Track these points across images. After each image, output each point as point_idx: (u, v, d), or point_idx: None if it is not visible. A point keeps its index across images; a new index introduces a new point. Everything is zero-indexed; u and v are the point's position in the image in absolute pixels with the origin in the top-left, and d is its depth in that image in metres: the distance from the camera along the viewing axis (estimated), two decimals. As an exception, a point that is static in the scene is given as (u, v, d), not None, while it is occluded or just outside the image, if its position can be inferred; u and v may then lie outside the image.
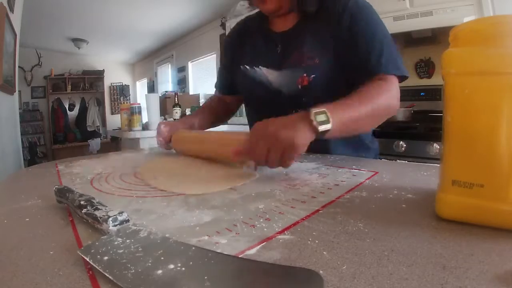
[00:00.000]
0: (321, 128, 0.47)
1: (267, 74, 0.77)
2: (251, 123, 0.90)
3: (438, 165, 0.33)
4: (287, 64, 0.74)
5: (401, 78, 0.67)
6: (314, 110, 0.48)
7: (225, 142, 0.59)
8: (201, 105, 3.41)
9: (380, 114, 0.61)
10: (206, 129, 0.91)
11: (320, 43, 0.70)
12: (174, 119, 3.36)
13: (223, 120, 1.00)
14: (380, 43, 0.65)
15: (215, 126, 0.96)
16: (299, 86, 0.71)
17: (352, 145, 0.76)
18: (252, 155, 0.48)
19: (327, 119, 0.48)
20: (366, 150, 0.80)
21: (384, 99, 0.60)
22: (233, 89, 0.91)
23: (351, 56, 0.66)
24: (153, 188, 0.47)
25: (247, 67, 0.82)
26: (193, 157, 0.70)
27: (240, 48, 0.86)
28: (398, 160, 1.42)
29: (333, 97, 0.69)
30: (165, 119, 2.77)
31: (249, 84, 0.82)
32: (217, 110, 0.96)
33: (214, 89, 0.99)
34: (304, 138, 0.47)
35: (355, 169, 0.55)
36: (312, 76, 0.70)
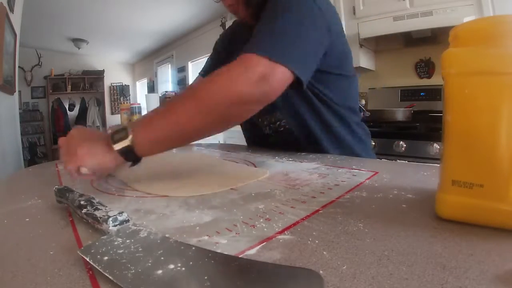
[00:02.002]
0: (117, 146, 0.43)
1: None
2: (244, 133, 0.93)
3: (438, 165, 0.33)
4: None
5: (296, 80, 0.53)
6: (114, 128, 0.44)
7: None
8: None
9: (212, 109, 0.46)
10: None
11: None
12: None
13: None
14: (267, 21, 0.54)
15: None
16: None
17: (341, 148, 0.75)
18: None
19: (124, 135, 0.43)
20: (361, 142, 0.79)
21: (220, 90, 0.46)
22: None
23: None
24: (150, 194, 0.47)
25: None
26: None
27: (233, 47, 0.83)
28: (398, 160, 1.43)
29: (287, 100, 0.67)
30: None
31: None
32: None
33: (198, 77, 0.94)
34: (91, 154, 0.43)
35: (355, 169, 0.55)
36: None
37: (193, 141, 0.51)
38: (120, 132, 0.43)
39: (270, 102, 0.51)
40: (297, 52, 0.52)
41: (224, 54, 0.87)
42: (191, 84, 0.60)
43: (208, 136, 0.49)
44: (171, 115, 0.46)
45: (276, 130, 0.78)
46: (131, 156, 0.44)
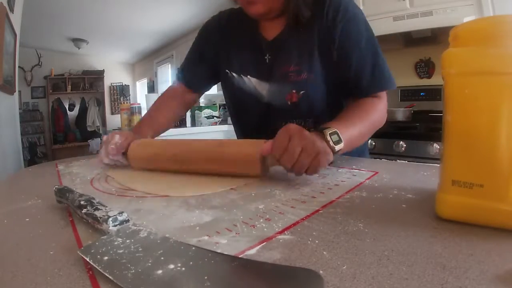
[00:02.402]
0: (337, 148, 0.48)
1: (256, 85, 0.74)
2: (239, 130, 0.86)
3: (438, 165, 0.33)
4: (276, 77, 0.70)
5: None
6: (328, 131, 0.48)
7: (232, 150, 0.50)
8: (200, 104, 3.40)
9: (374, 130, 0.64)
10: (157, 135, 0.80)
11: (308, 55, 0.67)
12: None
13: (177, 119, 0.91)
14: (372, 59, 0.65)
15: (170, 127, 0.86)
16: (289, 102, 0.69)
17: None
18: (285, 151, 0.44)
19: (339, 139, 0.49)
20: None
21: (378, 116, 0.64)
22: (202, 85, 0.86)
23: (343, 73, 0.66)
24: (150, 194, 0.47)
25: (234, 74, 0.76)
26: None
27: (225, 46, 0.78)
28: (398, 160, 1.43)
29: (322, 111, 0.70)
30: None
31: (237, 93, 0.77)
32: (173, 110, 0.85)
33: (176, 81, 0.88)
34: (331, 154, 0.47)
35: (355, 169, 0.55)
36: (302, 92, 0.68)
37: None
38: (334, 135, 0.49)
39: None
40: (387, 71, 0.67)
41: (211, 52, 0.80)
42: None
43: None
44: (361, 128, 0.58)
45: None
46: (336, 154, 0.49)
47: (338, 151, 0.49)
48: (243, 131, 0.85)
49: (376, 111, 0.64)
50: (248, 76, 0.74)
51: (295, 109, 0.70)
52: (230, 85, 0.78)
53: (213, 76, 0.84)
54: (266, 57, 0.72)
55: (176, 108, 0.86)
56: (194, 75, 0.85)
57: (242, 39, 0.76)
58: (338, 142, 0.48)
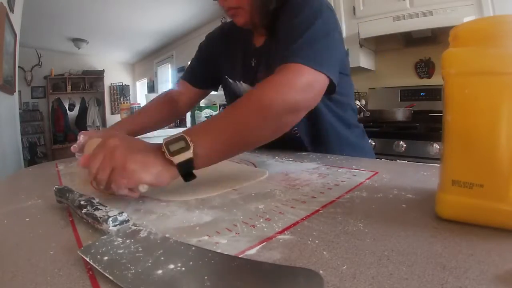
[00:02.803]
0: (178, 159, 0.37)
1: (247, 90, 0.75)
2: None
3: (438, 165, 0.33)
4: (258, 82, 0.68)
5: (330, 84, 0.56)
6: (167, 139, 0.38)
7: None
8: (200, 104, 3.40)
9: (272, 116, 0.46)
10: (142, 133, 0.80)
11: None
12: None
13: (167, 122, 0.90)
14: (301, 32, 0.55)
15: (156, 129, 0.86)
16: None
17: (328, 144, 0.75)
18: (88, 165, 0.38)
19: (185, 146, 0.38)
20: (363, 141, 0.80)
21: (278, 97, 0.46)
22: (200, 83, 0.88)
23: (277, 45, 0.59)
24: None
25: (231, 80, 0.80)
26: None
27: (222, 51, 0.82)
28: (398, 160, 1.43)
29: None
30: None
31: (233, 99, 0.79)
32: (160, 113, 0.86)
33: (180, 81, 0.91)
34: (147, 168, 0.37)
35: (355, 169, 0.55)
36: None
37: (247, 151, 0.50)
38: (177, 142, 0.38)
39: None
40: (331, 60, 0.56)
41: (214, 57, 0.84)
42: (247, 93, 0.50)
43: (259, 145, 0.49)
44: (232, 123, 0.44)
45: (283, 138, 0.77)
46: (188, 169, 0.39)
47: (189, 161, 0.38)
48: None
49: (271, 91, 0.47)
50: (241, 82, 0.77)
51: None
52: (228, 91, 0.82)
53: (214, 78, 0.87)
54: (252, 62, 0.74)
55: (165, 111, 0.87)
56: (196, 73, 0.88)
57: (237, 46, 0.79)
58: (182, 150, 0.38)
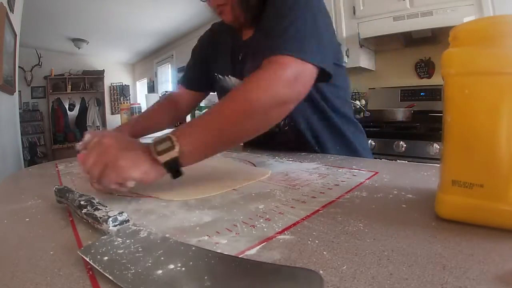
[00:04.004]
0: (163, 158, 0.39)
1: (236, 84, 0.77)
2: None
3: (438, 165, 0.33)
4: (246, 74, 0.71)
5: (322, 75, 0.55)
6: (156, 139, 0.41)
7: None
8: (200, 104, 3.40)
9: (259, 111, 0.46)
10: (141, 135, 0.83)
11: None
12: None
13: (169, 125, 0.92)
14: (286, 22, 0.53)
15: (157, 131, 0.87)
16: None
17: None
18: (83, 162, 0.41)
19: (171, 145, 0.40)
20: (360, 136, 0.80)
21: (264, 93, 0.46)
22: (195, 85, 0.90)
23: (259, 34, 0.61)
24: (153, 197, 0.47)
25: (220, 76, 0.81)
26: None
27: (212, 51, 0.84)
28: (398, 160, 1.43)
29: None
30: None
31: (223, 94, 0.80)
32: (162, 116, 0.88)
33: (177, 85, 0.96)
34: (137, 168, 0.39)
35: (355, 169, 0.55)
36: None
37: (234, 146, 0.50)
38: (164, 142, 0.40)
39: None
40: (319, 48, 0.54)
41: (205, 58, 0.87)
42: (234, 89, 0.49)
43: (246, 140, 0.49)
44: (217, 120, 0.45)
45: (279, 129, 0.77)
46: (175, 167, 0.41)
47: (173, 159, 0.40)
48: None
49: (259, 87, 0.47)
50: (229, 76, 0.78)
51: None
52: (218, 87, 0.84)
53: (208, 79, 0.88)
54: (239, 56, 0.75)
55: (166, 114, 0.89)
56: (191, 77, 0.91)
57: (226, 43, 0.81)
58: (167, 150, 0.40)
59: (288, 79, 0.49)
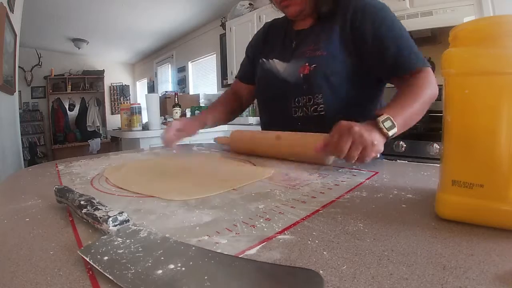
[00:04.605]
0: (391, 133, 0.53)
1: (277, 65, 0.83)
2: (262, 117, 0.94)
3: (438, 165, 0.33)
4: (295, 57, 0.79)
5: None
6: (381, 119, 0.54)
7: (302, 142, 0.65)
8: (201, 104, 3.41)
9: (428, 104, 0.66)
10: (220, 123, 0.96)
11: (330, 39, 0.74)
12: (174, 119, 3.35)
13: (236, 113, 1.02)
14: (406, 41, 0.69)
15: (230, 121, 1.00)
16: (301, 75, 0.75)
17: None
18: (335, 148, 0.52)
19: (392, 124, 0.54)
20: None
21: (429, 90, 0.65)
22: (249, 78, 0.97)
23: (381, 57, 0.70)
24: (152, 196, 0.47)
25: (264, 60, 0.88)
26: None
27: (263, 45, 0.92)
28: (398, 160, 1.42)
29: (334, 88, 0.73)
30: (165, 119, 2.77)
31: (262, 74, 0.88)
32: (231, 104, 0.99)
33: (234, 80, 1.03)
34: (381, 142, 0.53)
35: (355, 169, 0.55)
36: (313, 65, 0.74)
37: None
38: (387, 121, 0.54)
39: None
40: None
41: (257, 52, 0.93)
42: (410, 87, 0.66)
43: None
44: (413, 110, 0.61)
45: (307, 114, 0.78)
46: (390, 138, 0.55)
47: (393, 135, 0.54)
48: (264, 112, 0.93)
49: (426, 87, 0.65)
50: (273, 59, 0.85)
51: (306, 82, 0.75)
52: (260, 69, 0.89)
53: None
54: (292, 44, 0.82)
55: (235, 105, 1.00)
56: (245, 71, 1.00)
57: (278, 34, 0.89)
58: (391, 127, 0.54)
59: (436, 82, 0.67)
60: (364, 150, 0.51)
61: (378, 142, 0.52)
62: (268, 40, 0.92)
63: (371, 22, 0.70)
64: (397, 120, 0.55)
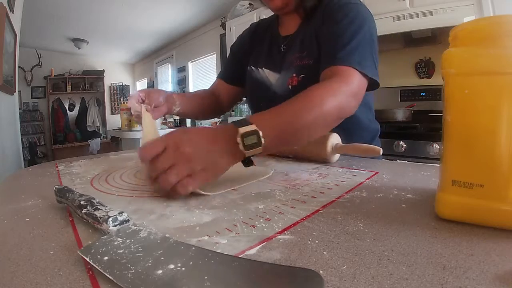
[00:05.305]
0: (249, 153, 0.41)
1: (269, 75, 0.80)
2: None
3: (438, 165, 0.33)
4: (285, 65, 0.76)
5: (371, 84, 0.61)
6: (244, 130, 0.40)
7: None
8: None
9: (327, 119, 0.51)
10: (187, 113, 0.85)
11: (312, 43, 0.71)
12: (174, 119, 3.35)
13: (215, 112, 0.95)
14: (349, 37, 0.60)
15: (205, 118, 0.94)
16: (290, 87, 0.73)
17: (345, 130, 0.74)
18: (150, 162, 0.38)
19: (258, 142, 0.40)
20: (363, 131, 0.80)
21: (334, 101, 0.51)
22: (234, 79, 0.92)
23: (322, 51, 0.65)
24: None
25: (253, 67, 0.85)
26: None
27: (249, 48, 0.88)
28: (398, 160, 1.42)
29: None
30: (165, 119, 2.77)
31: (253, 84, 0.85)
32: (204, 101, 0.90)
33: (216, 80, 0.97)
34: (223, 165, 0.40)
35: (355, 169, 0.55)
36: (301, 76, 0.71)
37: (303, 143, 0.57)
38: (251, 136, 0.40)
39: None
40: (373, 61, 0.61)
41: (242, 53, 0.90)
42: (306, 90, 0.52)
43: (314, 138, 0.55)
44: (298, 123, 0.47)
45: None
46: (250, 159, 0.43)
47: (253, 155, 0.41)
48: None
49: (331, 96, 0.51)
50: (263, 68, 0.82)
51: (294, 93, 0.70)
52: (249, 78, 0.86)
53: (245, 72, 0.90)
54: (281, 48, 0.79)
55: (208, 102, 0.91)
56: (229, 71, 0.95)
57: (264, 38, 0.85)
58: (254, 145, 0.40)
59: (353, 91, 0.55)
60: (188, 177, 0.37)
61: (219, 167, 0.39)
62: (255, 40, 0.88)
63: (333, 18, 0.65)
64: (267, 136, 0.41)
